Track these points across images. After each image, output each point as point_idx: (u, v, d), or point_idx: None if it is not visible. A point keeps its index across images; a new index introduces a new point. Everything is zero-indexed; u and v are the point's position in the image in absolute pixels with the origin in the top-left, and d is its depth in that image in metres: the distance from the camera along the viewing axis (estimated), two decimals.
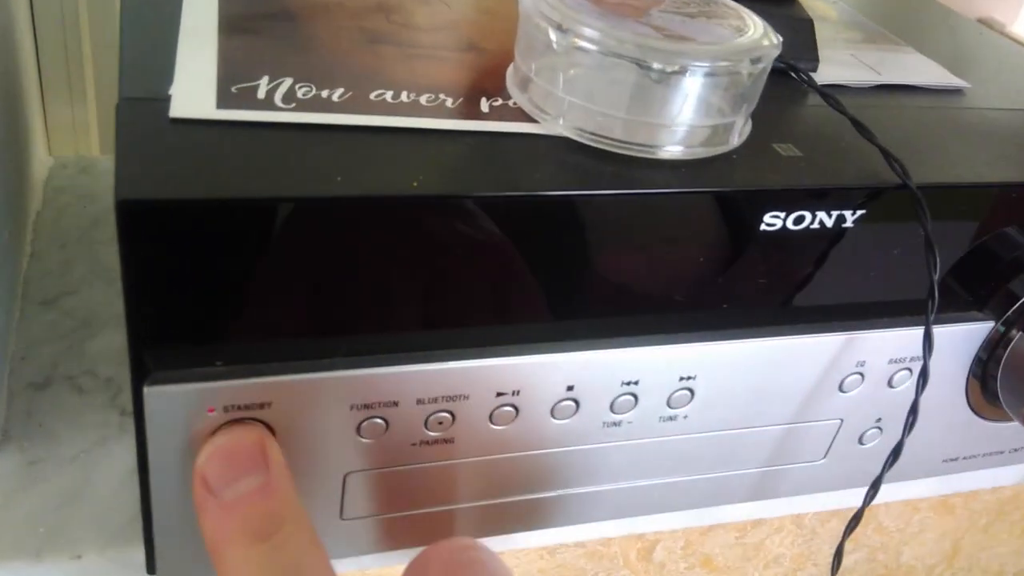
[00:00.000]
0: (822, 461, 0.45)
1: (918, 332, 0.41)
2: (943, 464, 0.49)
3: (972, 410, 0.47)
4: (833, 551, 0.72)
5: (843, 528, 0.68)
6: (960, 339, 0.44)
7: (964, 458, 0.50)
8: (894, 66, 0.48)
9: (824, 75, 0.45)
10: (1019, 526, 0.79)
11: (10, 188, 0.52)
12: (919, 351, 0.41)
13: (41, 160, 0.63)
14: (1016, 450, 0.51)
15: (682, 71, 0.34)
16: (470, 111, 0.37)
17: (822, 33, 0.50)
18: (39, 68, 0.65)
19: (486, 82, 0.39)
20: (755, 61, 0.34)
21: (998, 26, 1.28)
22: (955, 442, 0.48)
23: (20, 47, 0.59)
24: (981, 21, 1.30)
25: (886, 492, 0.59)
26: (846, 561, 0.74)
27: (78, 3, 0.65)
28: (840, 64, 0.47)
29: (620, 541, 0.63)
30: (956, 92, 0.48)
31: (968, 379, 0.45)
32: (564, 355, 0.37)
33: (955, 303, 0.43)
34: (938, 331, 0.43)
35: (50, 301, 0.53)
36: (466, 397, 0.36)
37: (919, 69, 0.48)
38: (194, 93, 0.34)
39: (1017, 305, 0.43)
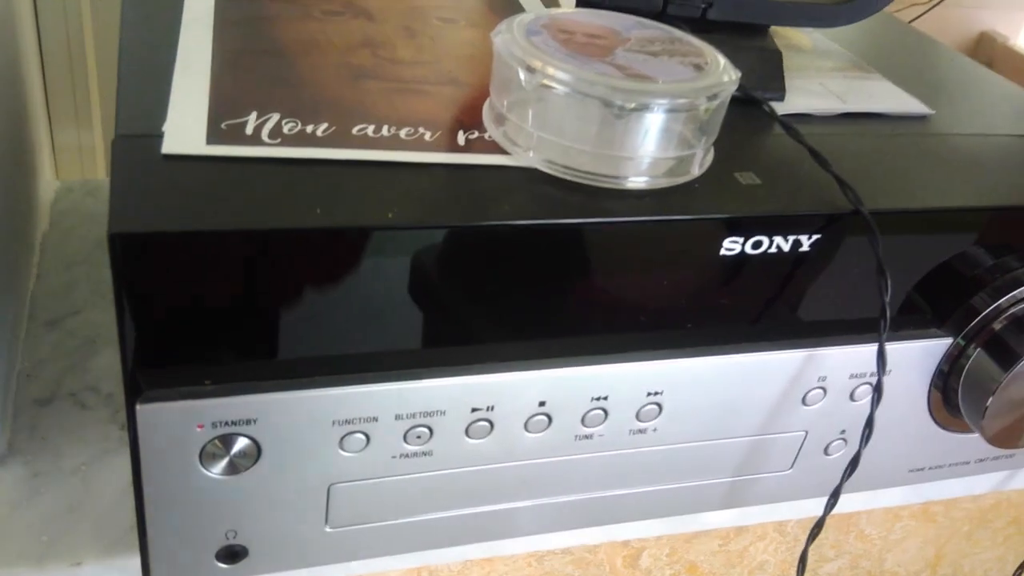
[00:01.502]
0: (789, 471, 0.47)
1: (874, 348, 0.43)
2: (910, 474, 0.51)
3: (936, 422, 0.49)
4: (817, 558, 0.74)
5: (825, 535, 0.70)
6: (922, 354, 0.46)
7: (930, 468, 0.52)
8: (860, 94, 0.50)
9: (791, 104, 0.47)
10: (1002, 533, 0.81)
11: (18, 211, 0.54)
12: (871, 369, 0.43)
13: (48, 183, 0.66)
14: (981, 460, 0.53)
15: (643, 108, 0.36)
16: (447, 144, 0.39)
17: (795, 62, 0.52)
18: (46, 95, 0.68)
19: (464, 116, 0.41)
20: (712, 97, 0.36)
21: (1001, 39, 1.30)
22: (920, 453, 0.50)
23: (28, 75, 0.62)
24: (984, 35, 1.32)
25: (865, 500, 0.62)
26: (830, 568, 0.76)
27: (84, 32, 0.67)
28: (808, 93, 0.49)
29: (606, 548, 0.65)
30: (919, 118, 0.50)
31: (931, 392, 0.47)
32: (536, 372, 0.39)
33: (917, 320, 0.45)
34: (901, 346, 0.45)
35: (55, 321, 0.55)
36: (443, 413, 0.38)
37: (884, 96, 0.50)
38: (185, 129, 0.36)
39: (977, 320, 0.45)
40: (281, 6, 0.49)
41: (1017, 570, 0.64)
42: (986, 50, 1.30)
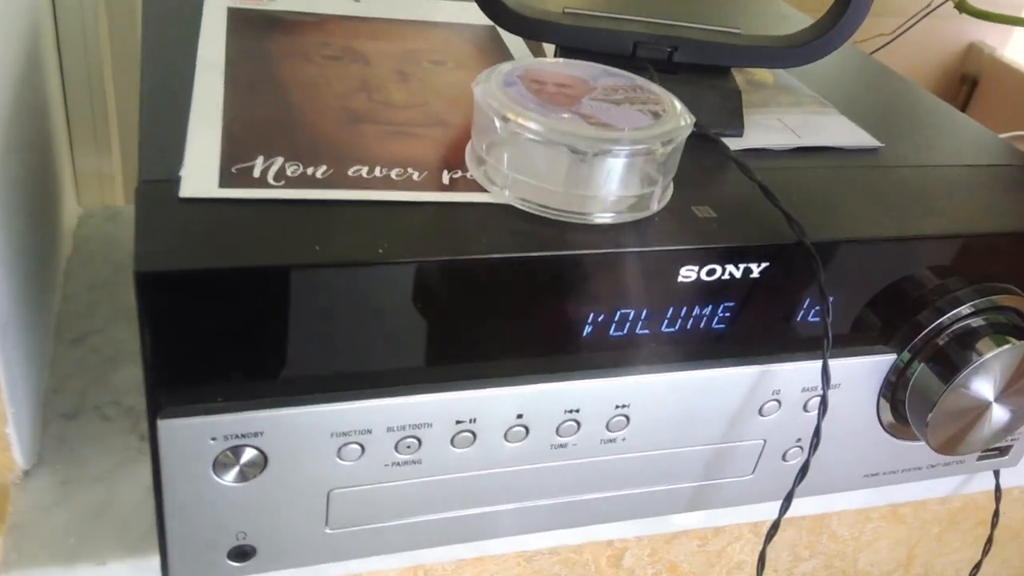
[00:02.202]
0: (751, 476, 0.52)
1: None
2: (865, 479, 0.56)
3: (886, 431, 0.53)
4: (792, 558, 0.79)
5: (798, 536, 0.74)
6: (872, 368, 0.50)
7: (884, 473, 0.56)
8: (815, 129, 0.55)
9: (749, 140, 0.52)
10: (971, 534, 0.85)
11: (45, 237, 0.59)
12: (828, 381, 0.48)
13: (71, 210, 0.71)
14: (933, 466, 0.57)
15: (605, 153, 0.41)
16: (433, 184, 0.44)
17: (756, 98, 0.57)
18: (68, 126, 0.73)
19: (449, 156, 0.46)
20: (667, 143, 0.41)
21: (988, 50, 1.34)
22: (873, 459, 0.54)
23: (53, 108, 0.67)
24: (972, 46, 1.35)
25: (828, 502, 0.66)
26: (805, 567, 0.80)
27: (103, 67, 0.72)
28: (766, 128, 0.53)
29: (591, 549, 0.70)
30: (870, 151, 0.54)
31: (880, 404, 0.52)
32: (514, 388, 0.43)
33: (867, 336, 0.50)
34: (851, 361, 0.49)
35: (79, 339, 0.60)
36: (429, 425, 0.43)
37: (837, 131, 0.55)
38: (200, 174, 0.41)
39: (921, 336, 0.50)
40: (285, 52, 0.54)
41: (972, 570, 0.68)
42: (974, 61, 1.31)
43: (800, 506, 0.59)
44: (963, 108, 1.34)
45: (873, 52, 0.93)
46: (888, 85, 0.67)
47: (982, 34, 1.33)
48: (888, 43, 0.90)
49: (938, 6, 0.76)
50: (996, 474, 0.65)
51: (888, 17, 1.04)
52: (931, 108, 0.63)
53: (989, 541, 0.67)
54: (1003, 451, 0.60)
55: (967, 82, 1.32)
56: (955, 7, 0.69)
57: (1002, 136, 0.61)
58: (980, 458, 0.60)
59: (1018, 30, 1.30)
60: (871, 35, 0.99)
